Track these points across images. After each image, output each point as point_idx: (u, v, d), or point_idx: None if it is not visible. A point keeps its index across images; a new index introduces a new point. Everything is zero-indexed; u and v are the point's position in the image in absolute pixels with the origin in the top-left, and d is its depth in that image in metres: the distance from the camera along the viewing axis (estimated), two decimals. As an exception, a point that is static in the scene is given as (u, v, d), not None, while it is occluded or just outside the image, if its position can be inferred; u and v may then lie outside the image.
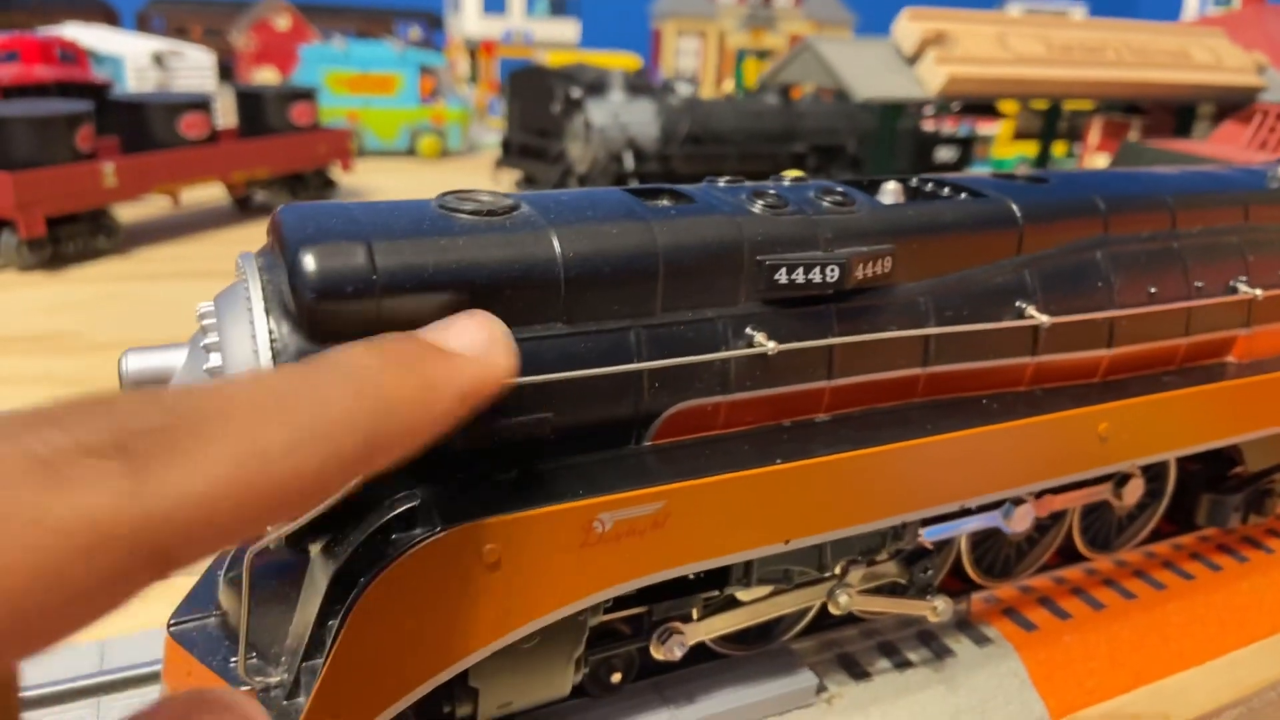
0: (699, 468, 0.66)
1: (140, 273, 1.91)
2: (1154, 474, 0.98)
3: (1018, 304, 0.80)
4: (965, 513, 0.85)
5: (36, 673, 0.77)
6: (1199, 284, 0.88)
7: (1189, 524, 1.07)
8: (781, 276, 0.70)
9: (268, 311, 0.58)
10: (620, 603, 0.71)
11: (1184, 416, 0.86)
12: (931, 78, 1.81)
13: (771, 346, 0.69)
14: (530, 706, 0.68)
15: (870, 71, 1.79)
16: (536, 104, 2.46)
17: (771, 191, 0.75)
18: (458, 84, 4.08)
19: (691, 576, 0.73)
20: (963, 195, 0.83)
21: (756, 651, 0.82)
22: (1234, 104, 2.17)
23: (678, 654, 0.72)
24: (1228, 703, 0.91)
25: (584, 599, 0.63)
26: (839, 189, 0.78)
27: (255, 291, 0.58)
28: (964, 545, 0.89)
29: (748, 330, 0.70)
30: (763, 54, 4.70)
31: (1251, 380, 0.89)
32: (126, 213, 2.24)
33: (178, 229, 2.27)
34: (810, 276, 0.71)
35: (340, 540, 0.61)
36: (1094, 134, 2.80)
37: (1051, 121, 2.45)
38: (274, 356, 0.56)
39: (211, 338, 0.59)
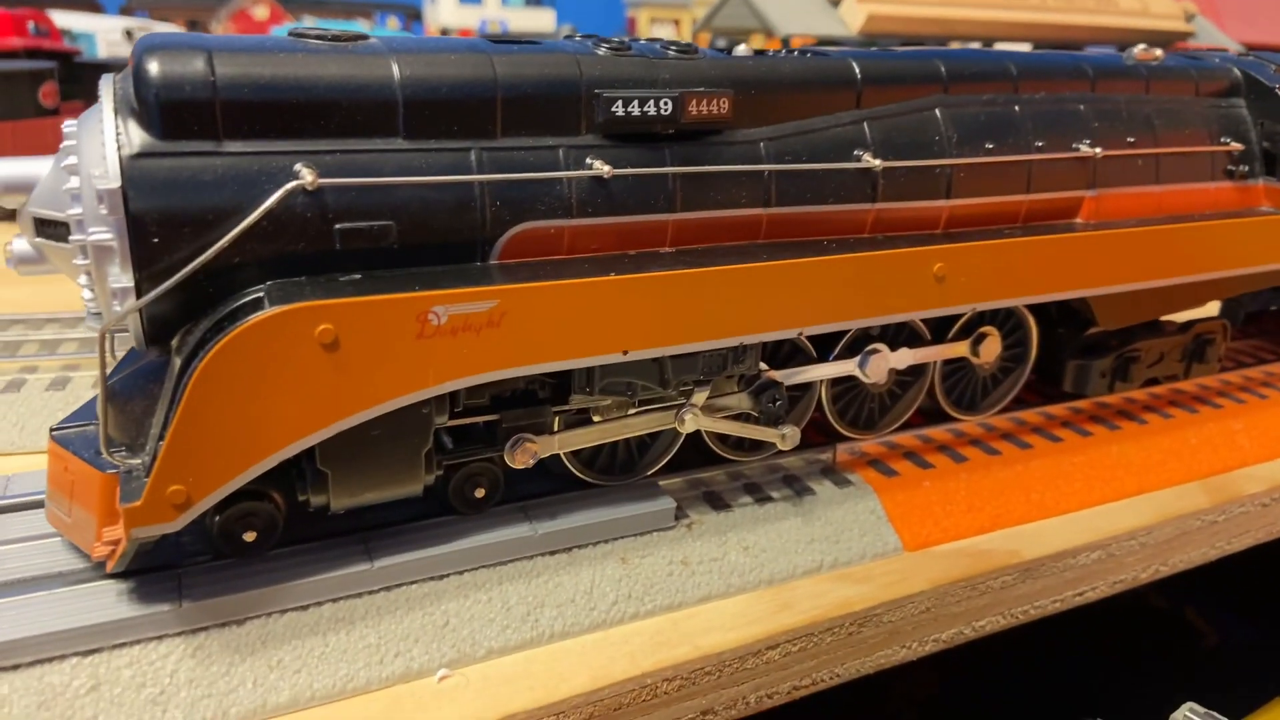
0: (535, 276, 0.72)
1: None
2: (1016, 339, 1.03)
3: (855, 153, 0.86)
4: (823, 360, 0.91)
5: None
6: (1039, 143, 0.93)
7: (1064, 396, 1.12)
8: (619, 109, 0.76)
9: (117, 114, 0.64)
10: (474, 414, 0.77)
11: (1024, 265, 0.91)
12: (853, 17, 1.88)
13: (607, 171, 0.75)
14: (383, 500, 0.73)
15: (794, 12, 1.86)
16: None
17: (619, 40, 0.81)
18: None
19: (542, 393, 0.79)
20: (808, 55, 0.89)
21: (622, 482, 0.87)
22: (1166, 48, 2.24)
23: (530, 463, 0.78)
24: (1082, 545, 0.96)
25: (423, 389, 0.69)
26: (685, 43, 0.84)
27: (107, 99, 0.65)
28: (825, 394, 0.94)
29: (587, 159, 0.76)
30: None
31: (1092, 234, 0.94)
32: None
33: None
34: (645, 109, 0.77)
35: (192, 331, 0.67)
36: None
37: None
38: (118, 149, 0.62)
39: (70, 142, 0.65)
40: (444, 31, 4.39)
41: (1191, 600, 1.91)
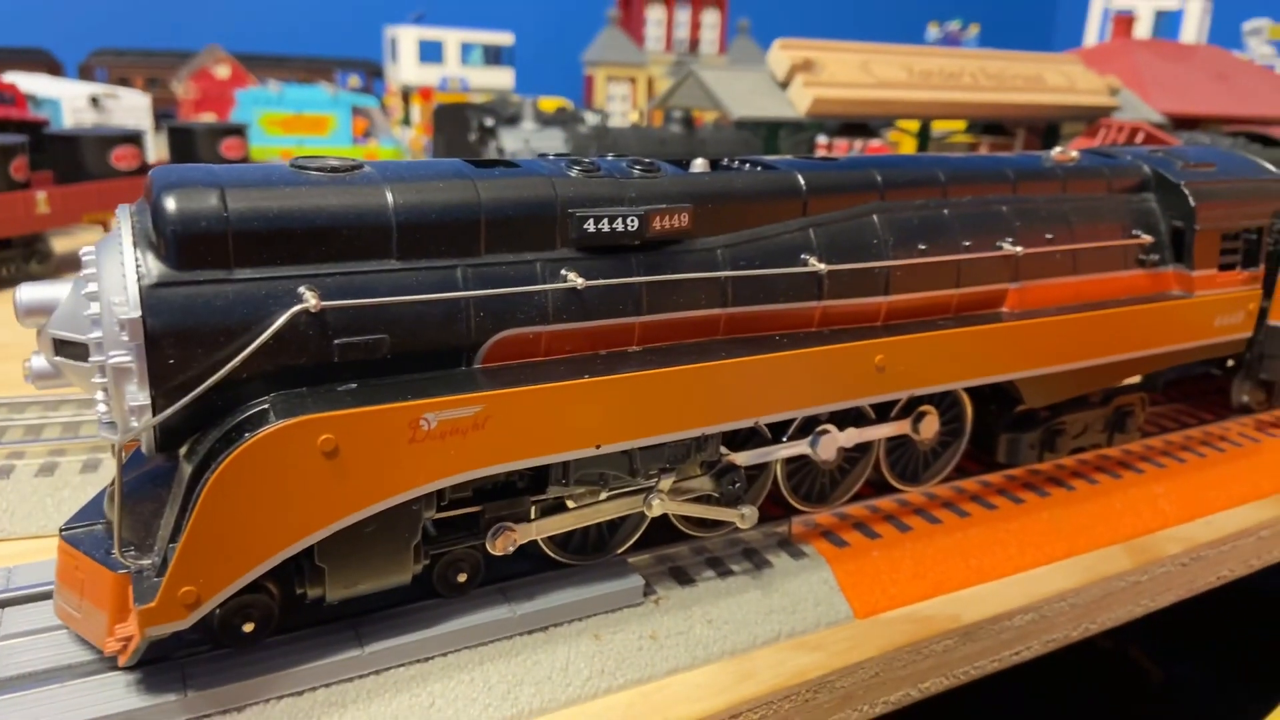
0: (516, 380, 0.79)
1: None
2: (953, 415, 1.12)
3: (802, 256, 0.94)
4: (778, 441, 0.99)
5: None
6: (967, 243, 1.03)
7: (1000, 465, 1.22)
8: (590, 225, 0.84)
9: (135, 246, 0.70)
10: (458, 506, 0.83)
11: (955, 353, 1.01)
12: (800, 99, 2.00)
13: (581, 283, 0.83)
14: (375, 590, 0.79)
15: (746, 94, 1.98)
16: (458, 134, 2.62)
17: (589, 161, 0.89)
18: (392, 125, 4.23)
19: (520, 484, 0.86)
20: (758, 169, 0.98)
21: (594, 561, 0.94)
22: (1092, 122, 2.40)
23: (510, 550, 0.84)
24: (1016, 608, 1.04)
25: (415, 488, 0.75)
26: (648, 161, 0.92)
27: (126, 230, 0.71)
28: (780, 472, 1.02)
29: (562, 271, 0.83)
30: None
31: (1016, 324, 1.04)
32: (61, 241, 2.34)
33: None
34: (614, 225, 0.85)
35: (202, 441, 0.72)
36: (984, 152, 3.06)
37: (924, 139, 2.72)
38: (138, 279, 0.68)
39: (90, 270, 0.71)
40: (405, 88, 4.49)
41: (1136, 639, 2.00)
